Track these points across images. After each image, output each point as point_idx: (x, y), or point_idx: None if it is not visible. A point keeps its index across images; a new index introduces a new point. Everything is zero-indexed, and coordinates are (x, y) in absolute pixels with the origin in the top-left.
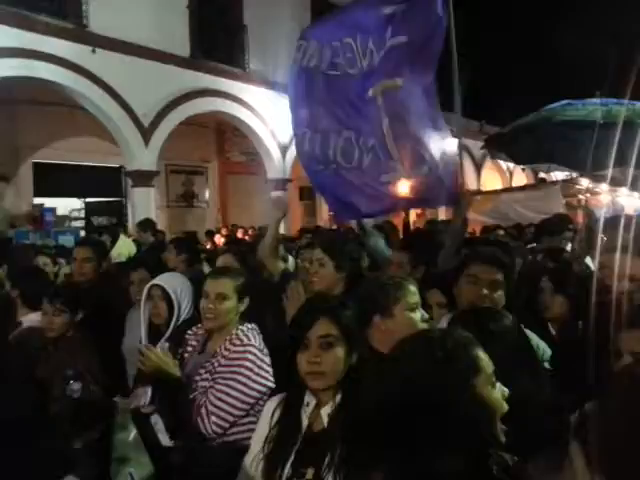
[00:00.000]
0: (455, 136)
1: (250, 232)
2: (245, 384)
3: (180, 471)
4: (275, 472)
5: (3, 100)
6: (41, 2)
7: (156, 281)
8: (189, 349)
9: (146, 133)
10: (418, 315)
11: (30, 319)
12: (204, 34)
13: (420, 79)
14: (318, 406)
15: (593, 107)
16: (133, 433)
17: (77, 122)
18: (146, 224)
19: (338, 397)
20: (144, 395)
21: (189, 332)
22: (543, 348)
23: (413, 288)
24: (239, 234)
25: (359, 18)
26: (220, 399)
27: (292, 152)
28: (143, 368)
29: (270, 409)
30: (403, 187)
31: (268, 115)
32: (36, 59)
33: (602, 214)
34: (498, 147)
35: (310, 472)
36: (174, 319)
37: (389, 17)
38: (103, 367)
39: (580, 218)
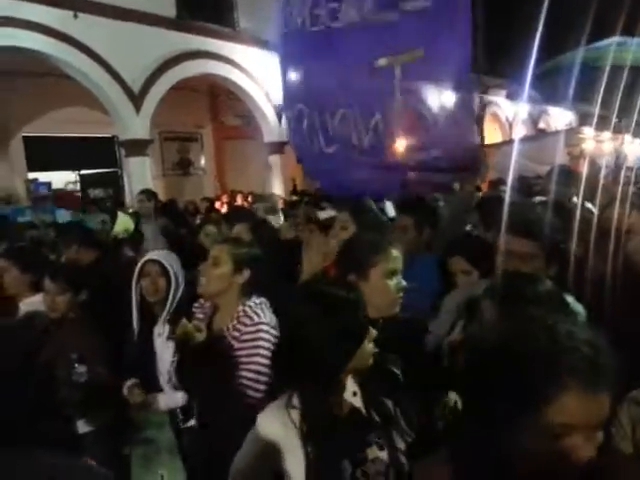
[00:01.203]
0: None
1: (250, 198)
2: (264, 364)
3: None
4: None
5: None
6: None
7: (152, 256)
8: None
9: (137, 100)
10: (394, 282)
11: (31, 302)
12: None
13: (449, 47)
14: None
15: None
16: (170, 436)
17: (65, 92)
18: (150, 193)
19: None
20: (178, 395)
21: (196, 305)
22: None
23: (396, 253)
24: (238, 200)
25: None
26: (241, 385)
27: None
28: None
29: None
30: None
31: (261, 76)
32: (15, 27)
33: (604, 163)
34: (532, 86)
35: (372, 452)
36: (171, 296)
37: None
38: (115, 348)
39: (582, 167)
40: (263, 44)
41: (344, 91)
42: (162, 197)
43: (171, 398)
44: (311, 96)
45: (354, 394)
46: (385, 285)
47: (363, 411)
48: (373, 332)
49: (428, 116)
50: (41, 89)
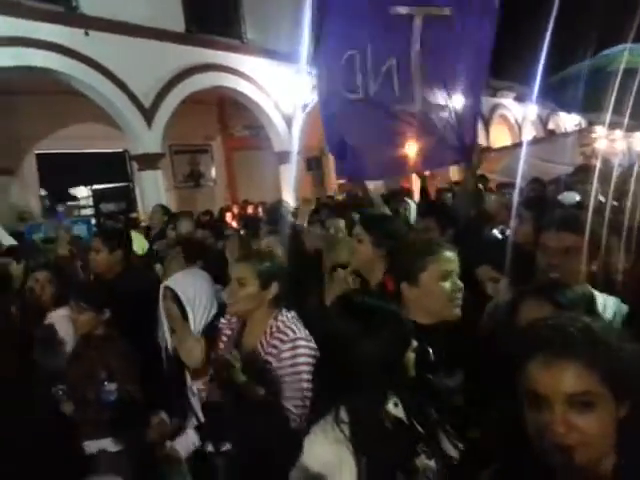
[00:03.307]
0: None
1: (261, 208)
2: (308, 381)
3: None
4: None
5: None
6: None
7: (167, 283)
8: (224, 339)
9: (148, 114)
10: (448, 284)
11: (57, 315)
12: (198, 7)
13: (476, 25)
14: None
15: None
16: None
17: (76, 109)
18: (164, 207)
19: None
20: (191, 438)
21: (222, 321)
22: (614, 306)
23: (448, 254)
24: (249, 210)
25: None
26: (286, 407)
27: (297, 123)
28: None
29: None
30: (414, 143)
31: (270, 86)
32: (28, 46)
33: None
34: (545, 94)
35: (421, 461)
36: (191, 322)
37: None
38: (142, 363)
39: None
40: (270, 55)
41: (359, 34)
42: (175, 209)
43: (188, 442)
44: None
45: (395, 405)
46: (438, 288)
47: (406, 421)
48: (414, 342)
49: (442, 81)
50: (53, 106)
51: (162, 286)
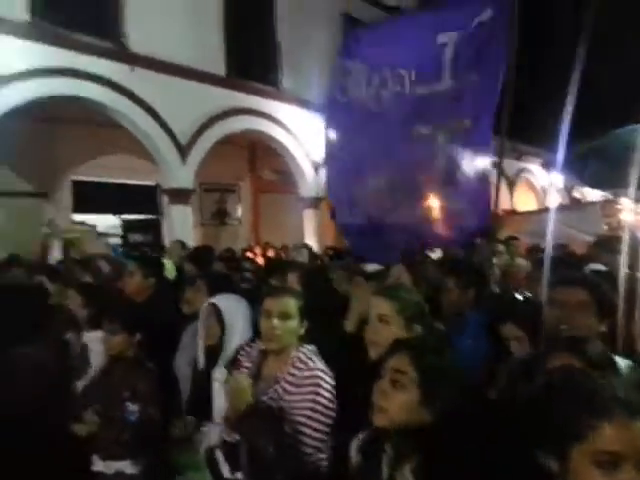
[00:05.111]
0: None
1: (283, 252)
2: (321, 412)
3: None
4: None
5: (43, 119)
6: (81, 22)
7: (212, 300)
8: (243, 371)
9: (183, 151)
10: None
11: (91, 336)
12: (238, 53)
13: (486, 112)
14: (400, 460)
15: None
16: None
17: (115, 140)
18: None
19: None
20: (217, 433)
21: (241, 352)
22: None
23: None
24: (270, 253)
25: (411, 43)
26: (298, 431)
27: (325, 171)
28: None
29: (352, 450)
30: (438, 222)
31: (301, 134)
32: (77, 78)
33: None
34: (567, 169)
35: None
36: (227, 340)
37: (443, 46)
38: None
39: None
40: (304, 103)
41: (383, 156)
42: (199, 245)
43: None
44: (351, 158)
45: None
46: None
47: None
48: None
49: (460, 179)
50: (94, 136)
51: (205, 304)
